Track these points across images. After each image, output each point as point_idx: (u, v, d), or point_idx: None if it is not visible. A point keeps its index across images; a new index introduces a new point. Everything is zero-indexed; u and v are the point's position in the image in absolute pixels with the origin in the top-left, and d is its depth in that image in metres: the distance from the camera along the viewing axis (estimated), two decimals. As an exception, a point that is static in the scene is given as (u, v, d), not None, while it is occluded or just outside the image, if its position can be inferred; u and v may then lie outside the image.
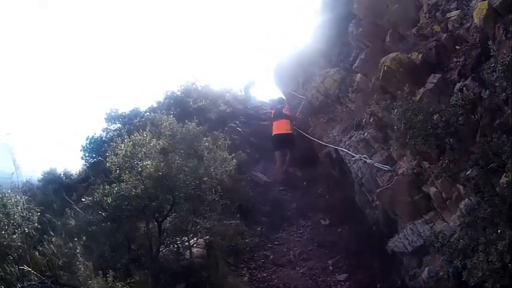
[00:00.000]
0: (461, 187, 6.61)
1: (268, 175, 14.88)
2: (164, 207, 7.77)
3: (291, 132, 14.99)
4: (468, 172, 6.10)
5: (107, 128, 17.05)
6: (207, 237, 8.71)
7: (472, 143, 6.37)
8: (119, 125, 16.93)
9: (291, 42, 19.26)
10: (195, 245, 8.51)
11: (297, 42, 18.09)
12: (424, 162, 7.76)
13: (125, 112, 17.33)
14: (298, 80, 17.56)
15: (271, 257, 10.07)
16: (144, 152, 7.88)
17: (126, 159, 7.82)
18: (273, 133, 15.29)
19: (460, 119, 6.35)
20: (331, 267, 9.55)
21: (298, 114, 15.92)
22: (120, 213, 7.31)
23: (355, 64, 11.69)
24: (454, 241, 5.96)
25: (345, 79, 12.59)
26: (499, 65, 5.51)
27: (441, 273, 6.21)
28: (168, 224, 8.07)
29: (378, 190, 8.76)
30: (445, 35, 7.83)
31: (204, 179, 8.32)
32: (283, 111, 15.73)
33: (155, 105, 18.25)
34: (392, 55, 8.83)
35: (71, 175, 16.45)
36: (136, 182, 7.76)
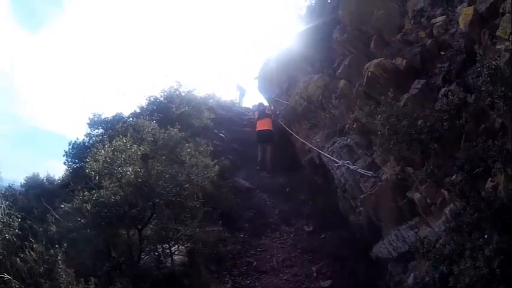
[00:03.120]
0: (446, 192, 6.53)
1: (250, 181, 14.63)
2: (144, 214, 7.52)
3: (271, 129, 16.14)
4: (453, 177, 6.06)
5: (89, 134, 16.61)
6: (188, 244, 8.44)
7: (457, 149, 6.29)
8: (101, 130, 16.56)
9: (275, 49, 18.97)
10: (176, 252, 8.22)
11: (282, 48, 17.80)
12: (408, 167, 7.63)
13: (107, 117, 16.85)
14: (282, 86, 17.53)
15: (254, 263, 9.83)
16: (124, 158, 7.63)
17: (106, 165, 7.57)
18: (257, 129, 16.44)
19: (444, 124, 6.31)
20: (315, 274, 9.36)
21: (280, 119, 16.22)
22: (99, 220, 7.04)
23: (339, 70, 11.56)
24: (440, 246, 5.87)
25: (328, 85, 12.46)
26: (485, 69, 5.43)
27: (427, 278, 5.91)
28: (149, 231, 7.82)
29: (361, 196, 8.67)
30: (429, 41, 7.80)
31: (186, 185, 8.09)
32: (266, 111, 17.19)
33: (138, 110, 17.82)
34: (376, 61, 8.74)
35: (54, 180, 16.04)
36: (116, 188, 7.50)
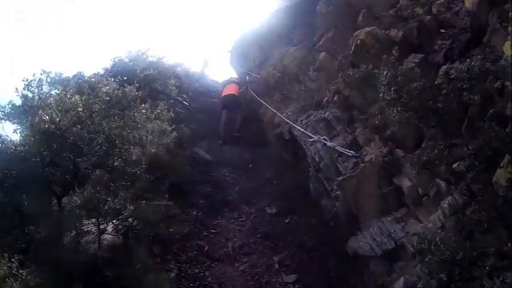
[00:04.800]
0: (442, 182, 5.40)
1: (211, 154, 12.82)
2: (65, 175, 5.53)
3: (237, 95, 14.81)
4: (455, 165, 5.04)
5: (47, 93, 14.86)
6: (126, 221, 6.42)
7: (456, 133, 5.29)
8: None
9: (253, 23, 17.55)
10: (109, 230, 6.25)
11: (259, 22, 16.32)
12: (397, 150, 6.44)
13: (68, 77, 15.21)
14: (255, 60, 15.93)
15: (206, 248, 8.17)
16: (39, 97, 5.64)
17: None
18: (222, 95, 15.16)
19: (464, 94, 5.00)
20: (277, 265, 7.82)
21: (250, 88, 14.75)
22: (2, 178, 5.13)
23: (320, 43, 10.35)
24: (438, 248, 4.59)
25: (306, 57, 11.18)
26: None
27: (420, 285, 5.01)
28: (79, 202, 5.78)
29: (339, 178, 7.17)
30: (428, 17, 7.06)
31: (126, 146, 6.24)
32: (233, 79, 16.25)
33: (102, 72, 16.14)
34: (367, 29, 7.72)
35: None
36: (26, 139, 5.56)
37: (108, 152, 5.79)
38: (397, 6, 7.91)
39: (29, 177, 5.22)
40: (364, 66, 6.52)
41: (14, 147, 5.23)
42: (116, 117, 7.22)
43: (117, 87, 9.69)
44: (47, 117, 5.54)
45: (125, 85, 9.72)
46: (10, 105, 5.60)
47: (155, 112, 9.83)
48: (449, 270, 4.31)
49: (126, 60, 16.00)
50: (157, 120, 9.90)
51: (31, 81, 5.74)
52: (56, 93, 12.66)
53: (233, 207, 10.09)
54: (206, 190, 10.49)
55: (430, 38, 6.81)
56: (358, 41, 7.57)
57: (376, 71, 5.74)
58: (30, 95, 5.69)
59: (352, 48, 7.72)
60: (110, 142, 5.85)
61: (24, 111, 5.59)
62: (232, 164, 12.42)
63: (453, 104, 4.96)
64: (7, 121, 5.59)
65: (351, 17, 9.33)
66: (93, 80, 13.26)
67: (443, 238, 4.75)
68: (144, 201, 7.51)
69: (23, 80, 5.81)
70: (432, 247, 4.69)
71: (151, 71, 14.97)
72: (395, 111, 5.06)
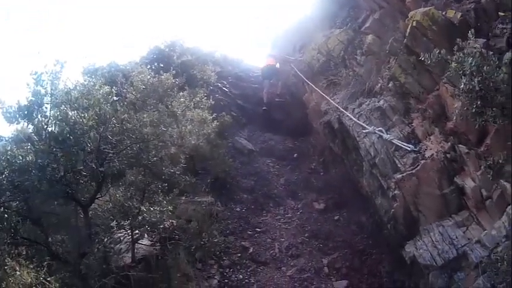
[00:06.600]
0: (507, 184, 4.99)
1: (254, 143, 12.34)
2: (86, 181, 4.95)
3: (275, 65, 15.37)
4: None
5: (82, 83, 14.71)
6: (164, 232, 5.76)
7: None
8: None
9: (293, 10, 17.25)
10: (141, 240, 5.60)
11: (300, 8, 15.94)
12: (460, 145, 5.87)
13: (102, 66, 15.01)
14: (295, 44, 15.53)
15: (251, 250, 7.73)
16: (50, 91, 4.88)
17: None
18: (263, 66, 15.62)
19: None
20: (326, 269, 7.34)
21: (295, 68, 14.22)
22: (24, 186, 4.57)
23: (366, 25, 9.77)
24: (504, 259, 4.41)
25: (352, 40, 10.57)
26: None
27: None
28: (109, 206, 5.32)
29: (398, 176, 6.62)
30: None
31: (154, 141, 5.62)
32: (271, 54, 16.34)
33: (138, 60, 15.86)
34: (423, 9, 6.94)
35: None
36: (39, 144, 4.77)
37: (139, 153, 5.28)
38: (449, -15, 7.16)
39: (45, 187, 4.65)
40: (436, 52, 5.79)
41: (21, 157, 4.64)
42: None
43: (153, 74, 9.31)
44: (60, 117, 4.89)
45: (161, 72, 9.39)
46: (16, 107, 4.87)
47: (194, 100, 9.51)
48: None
49: (162, 46, 15.72)
50: (196, 109, 9.58)
51: (41, 74, 4.93)
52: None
53: (278, 201, 9.67)
54: (250, 183, 10.04)
55: (489, 21, 6.21)
56: (414, 23, 6.85)
57: (449, 56, 5.07)
58: (42, 90, 4.99)
59: (408, 30, 7.04)
60: (142, 142, 5.33)
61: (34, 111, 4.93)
62: (275, 154, 11.91)
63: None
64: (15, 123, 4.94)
65: (398, -3, 8.83)
66: (128, 68, 13.06)
67: (507, 249, 4.50)
68: (183, 198, 7.15)
69: (31, 74, 4.96)
70: (495, 258, 4.51)
71: (189, 56, 14.82)
72: (474, 106, 4.41)
